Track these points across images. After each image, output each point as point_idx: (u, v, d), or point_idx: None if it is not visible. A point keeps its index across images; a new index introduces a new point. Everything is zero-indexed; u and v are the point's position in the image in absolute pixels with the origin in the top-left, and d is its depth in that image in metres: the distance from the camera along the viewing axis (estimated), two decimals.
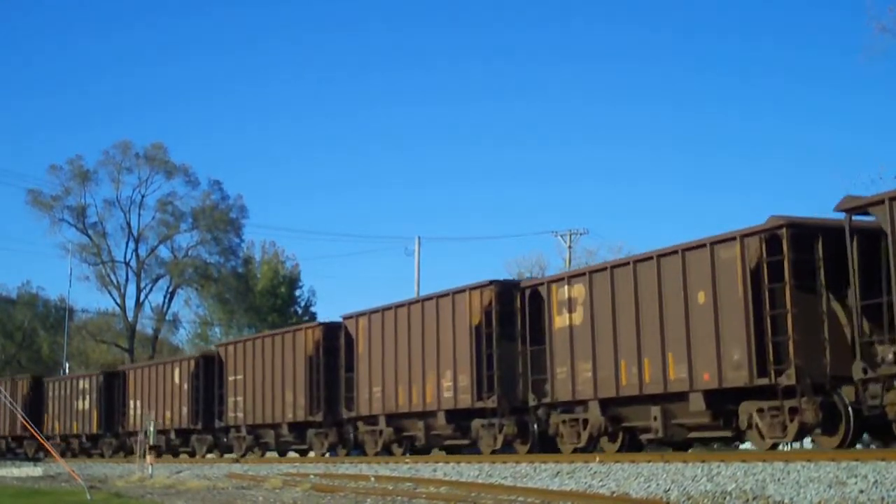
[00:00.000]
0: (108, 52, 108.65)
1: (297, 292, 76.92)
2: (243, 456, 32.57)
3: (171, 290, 69.58)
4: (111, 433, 40.48)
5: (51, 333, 77.16)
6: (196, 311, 75.74)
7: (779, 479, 13.79)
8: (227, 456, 34.03)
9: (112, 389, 40.23)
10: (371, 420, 27.31)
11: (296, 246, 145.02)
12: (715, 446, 21.34)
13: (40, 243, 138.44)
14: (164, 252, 69.15)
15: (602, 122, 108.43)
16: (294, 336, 30.55)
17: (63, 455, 40.14)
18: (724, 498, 13.28)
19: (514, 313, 22.79)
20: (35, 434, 31.73)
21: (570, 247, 56.60)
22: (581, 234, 57.24)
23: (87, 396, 41.33)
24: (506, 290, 23.22)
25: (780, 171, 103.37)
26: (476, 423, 23.93)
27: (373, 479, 19.99)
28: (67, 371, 61.41)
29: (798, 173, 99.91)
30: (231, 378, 33.19)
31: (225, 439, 34.44)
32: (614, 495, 14.79)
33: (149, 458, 26.98)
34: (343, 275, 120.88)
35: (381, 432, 26.85)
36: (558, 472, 17.64)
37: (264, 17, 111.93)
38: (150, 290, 69.24)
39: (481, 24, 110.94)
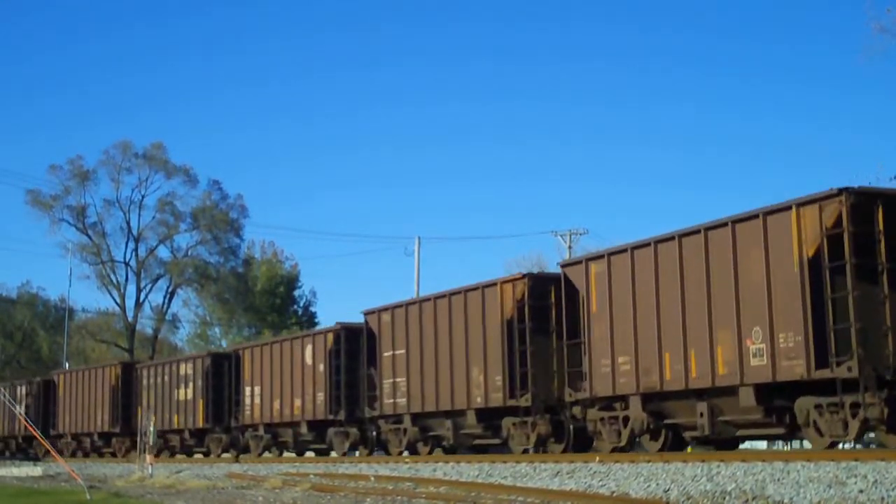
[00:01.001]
0: (108, 52, 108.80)
1: (297, 292, 77.06)
2: (401, 453, 26.25)
3: (170, 289, 69.71)
4: (220, 427, 34.11)
5: (51, 333, 77.19)
6: (195, 311, 75.91)
7: (778, 479, 13.79)
8: (376, 454, 28.34)
9: (221, 375, 33.98)
10: (611, 403, 20.30)
11: (295, 246, 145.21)
12: None
13: (40, 243, 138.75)
14: (163, 252, 69.31)
15: (602, 121, 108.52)
16: (484, 294, 23.13)
17: (158, 455, 34.82)
18: (724, 498, 13.28)
19: (875, 235, 15.92)
20: (34, 433, 31.67)
21: (570, 247, 56.62)
22: (581, 234, 57.29)
23: (191, 384, 34.90)
24: (863, 202, 15.98)
25: (780, 171, 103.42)
26: (805, 402, 16.63)
27: (372, 478, 19.98)
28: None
29: (798, 173, 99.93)
30: (387, 354, 26.27)
31: (376, 432, 27.75)
32: (614, 495, 14.78)
33: (148, 457, 26.96)
34: (343, 275, 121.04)
35: (625, 420, 19.81)
36: (558, 472, 17.64)
37: (264, 17, 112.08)
38: (150, 289, 69.40)
39: (481, 23, 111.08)
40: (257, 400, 31.73)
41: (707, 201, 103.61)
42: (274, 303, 73.86)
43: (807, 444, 19.57)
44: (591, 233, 74.48)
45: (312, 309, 76.96)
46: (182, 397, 35.31)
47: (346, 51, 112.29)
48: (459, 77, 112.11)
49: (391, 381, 26.07)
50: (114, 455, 39.46)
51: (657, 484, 14.94)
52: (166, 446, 36.93)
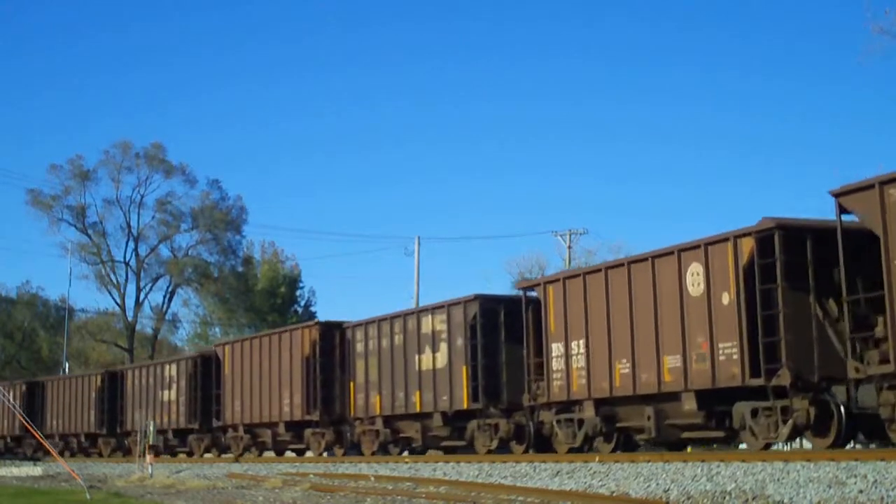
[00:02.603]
0: (107, 50, 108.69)
1: (298, 292, 77.08)
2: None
3: (170, 289, 69.79)
4: (497, 408, 23.31)
5: (51, 333, 77.15)
6: (196, 310, 75.91)
7: (778, 479, 13.80)
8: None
9: (494, 329, 23.21)
10: None
11: (296, 246, 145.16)
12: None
13: (40, 243, 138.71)
14: (163, 251, 69.37)
15: (601, 120, 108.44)
16: None
17: (379, 451, 26.72)
18: (724, 498, 13.29)
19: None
20: (33, 432, 31.57)
21: (569, 247, 56.65)
22: (581, 234, 57.26)
23: (442, 345, 24.21)
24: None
25: (780, 169, 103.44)
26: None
27: (372, 478, 19.97)
28: (67, 371, 61.32)
29: (799, 171, 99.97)
30: None
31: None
32: (614, 495, 14.79)
33: (149, 457, 26.94)
34: (343, 275, 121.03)
35: None
36: (558, 472, 17.64)
37: (263, 15, 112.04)
38: (150, 289, 69.46)
39: (481, 21, 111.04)
40: (577, 363, 20.69)
41: (706, 200, 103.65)
42: (275, 303, 73.88)
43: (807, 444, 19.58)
44: (591, 232, 74.36)
45: (313, 308, 77.07)
46: (425, 366, 24.78)
47: (345, 50, 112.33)
48: (459, 76, 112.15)
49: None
50: (302, 453, 30.93)
51: (657, 484, 14.95)
52: (393, 439, 26.67)
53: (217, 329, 76.36)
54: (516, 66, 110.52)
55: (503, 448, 23.16)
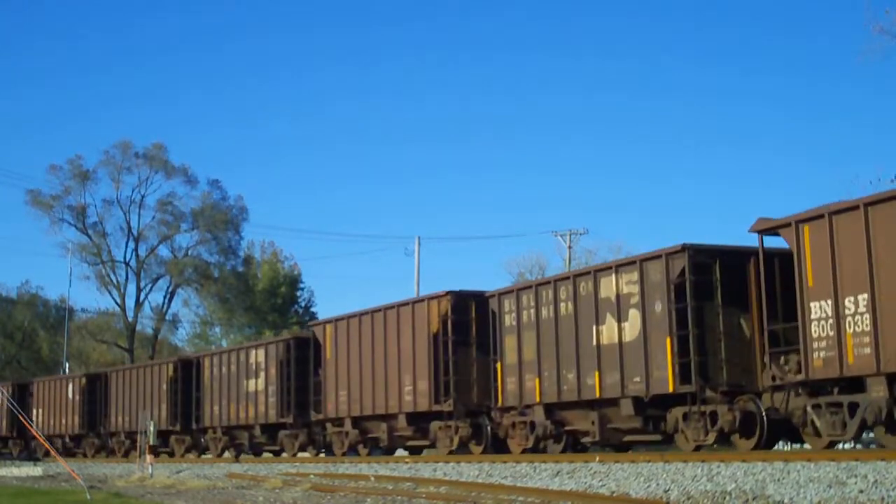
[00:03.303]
0: (108, 51, 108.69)
1: (298, 292, 77.08)
2: None
3: (170, 289, 69.80)
4: (712, 386, 18.16)
5: (51, 333, 77.19)
6: (196, 311, 75.93)
7: (779, 479, 13.79)
8: None
9: (707, 290, 18.14)
10: None
11: (296, 246, 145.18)
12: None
13: (40, 243, 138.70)
14: (164, 252, 69.39)
15: (602, 120, 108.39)
16: None
17: (539, 444, 21.53)
18: (724, 498, 13.28)
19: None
20: (31, 430, 31.51)
21: (570, 247, 56.67)
22: (581, 234, 57.27)
23: (630, 312, 19.31)
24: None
25: (780, 169, 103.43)
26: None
27: (372, 478, 19.97)
28: (67, 372, 61.30)
29: (799, 171, 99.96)
30: None
31: None
32: (614, 495, 14.79)
33: (149, 457, 26.94)
34: (343, 275, 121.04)
35: None
36: (558, 472, 17.64)
37: (263, 15, 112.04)
38: (150, 289, 69.48)
39: (480, 19, 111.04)
40: (856, 326, 15.56)
41: (706, 199, 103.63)
42: (275, 303, 73.90)
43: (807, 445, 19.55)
44: (591, 232, 74.21)
45: (313, 309, 77.11)
46: (607, 340, 19.77)
47: (345, 49, 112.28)
48: (459, 75, 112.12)
49: None
50: (419, 451, 26.97)
51: (657, 484, 14.94)
52: (556, 433, 21.63)
53: (217, 329, 76.49)
54: (516, 65, 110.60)
55: (722, 442, 18.47)
